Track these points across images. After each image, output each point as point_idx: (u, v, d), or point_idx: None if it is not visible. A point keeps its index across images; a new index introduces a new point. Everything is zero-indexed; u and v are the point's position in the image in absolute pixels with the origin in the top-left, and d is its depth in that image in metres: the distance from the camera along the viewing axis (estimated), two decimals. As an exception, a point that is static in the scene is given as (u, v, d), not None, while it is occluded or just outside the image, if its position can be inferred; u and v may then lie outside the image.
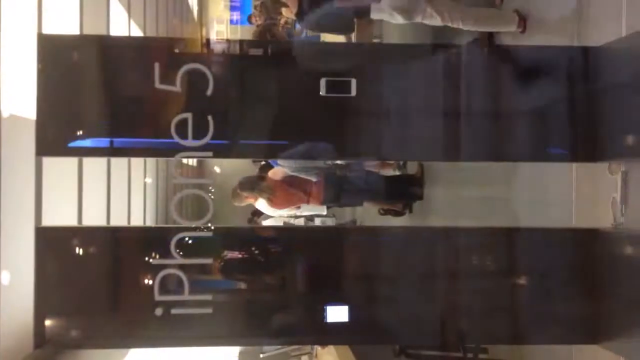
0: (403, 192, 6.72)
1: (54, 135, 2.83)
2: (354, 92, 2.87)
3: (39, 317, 2.82)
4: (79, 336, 2.91)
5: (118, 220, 6.94)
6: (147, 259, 2.86)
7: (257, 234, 3.46)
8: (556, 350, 3.60)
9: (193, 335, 2.90)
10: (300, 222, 7.63)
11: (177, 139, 2.77)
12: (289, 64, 3.06)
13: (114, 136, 2.88)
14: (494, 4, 4.81)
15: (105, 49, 2.92)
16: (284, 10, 4.84)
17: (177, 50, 3.03)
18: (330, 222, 8.28)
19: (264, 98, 2.94)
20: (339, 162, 6.20)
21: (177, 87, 2.79)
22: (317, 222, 8.00)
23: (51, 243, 2.88)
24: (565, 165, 3.73)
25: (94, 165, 5.90)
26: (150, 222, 9.01)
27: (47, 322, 2.83)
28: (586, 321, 3.02)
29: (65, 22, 5.20)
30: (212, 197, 3.00)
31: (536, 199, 4.34)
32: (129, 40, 4.23)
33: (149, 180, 9.04)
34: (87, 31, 5.56)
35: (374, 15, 4.39)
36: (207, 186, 3.08)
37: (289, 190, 5.83)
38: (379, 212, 7.04)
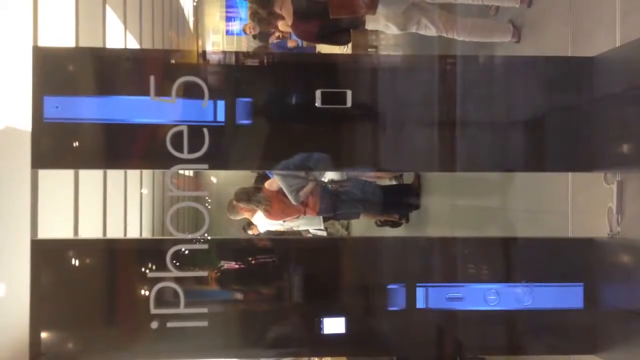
0: (400, 201, 6.73)
1: (50, 147, 2.82)
2: (349, 104, 2.87)
3: (34, 330, 2.81)
4: (75, 349, 2.89)
5: (114, 232, 6.92)
6: (143, 271, 2.86)
7: (254, 245, 3.44)
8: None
9: (189, 348, 2.88)
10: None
11: (172, 151, 2.77)
12: (284, 75, 3.07)
13: (109, 148, 2.87)
14: (488, 14, 4.83)
15: (100, 61, 2.92)
16: (279, 22, 4.84)
17: (173, 62, 3.03)
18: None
19: (260, 109, 2.94)
20: (334, 178, 6.20)
21: (172, 99, 2.79)
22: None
23: (47, 255, 2.87)
24: (561, 175, 3.73)
25: (90, 178, 5.89)
26: (146, 234, 8.99)
27: (43, 335, 2.82)
28: (583, 331, 3.01)
29: (60, 35, 5.20)
30: (209, 206, 3.00)
31: (532, 209, 4.34)
32: (124, 52, 4.22)
33: (145, 191, 9.02)
34: (83, 43, 5.57)
35: (369, 26, 4.41)
36: (204, 198, 3.08)
37: (286, 201, 5.82)
38: (376, 223, 7.04)
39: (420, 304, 2.94)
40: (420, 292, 2.94)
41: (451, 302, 2.96)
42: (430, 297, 2.95)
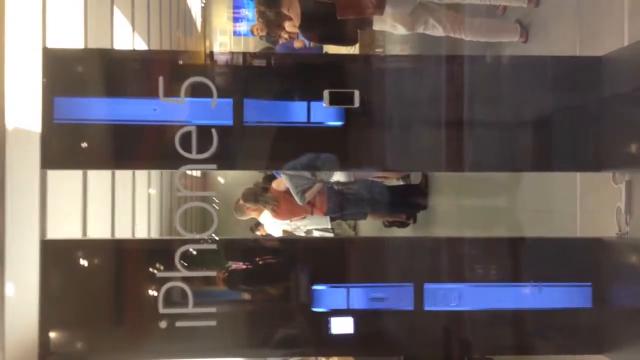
0: (407, 202, 6.72)
1: (59, 147, 2.84)
2: (357, 104, 2.87)
3: (43, 329, 2.82)
4: (84, 348, 2.91)
5: (122, 232, 6.95)
6: (151, 271, 2.87)
7: (261, 245, 3.45)
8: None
9: (197, 347, 2.89)
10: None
11: (181, 151, 2.78)
12: (292, 76, 3.07)
13: (118, 148, 2.89)
14: (495, 14, 4.82)
15: (109, 62, 2.94)
16: (287, 23, 4.85)
17: (181, 63, 3.04)
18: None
19: (268, 109, 2.95)
20: (340, 179, 6.21)
21: (181, 100, 2.80)
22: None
23: (56, 255, 2.88)
24: (569, 175, 3.72)
25: (98, 178, 5.91)
26: (154, 234, 9.01)
27: (52, 334, 2.84)
28: (591, 331, 3.01)
29: (69, 36, 5.23)
30: (216, 207, 3.01)
31: (541, 209, 4.34)
32: (133, 53, 4.24)
33: (152, 191, 9.05)
34: (91, 45, 5.60)
35: (376, 27, 4.41)
36: (211, 198, 3.08)
37: (293, 201, 5.83)
38: (383, 224, 7.04)
39: (342, 304, 2.94)
40: (342, 292, 2.94)
41: (374, 303, 2.95)
42: (352, 298, 2.94)
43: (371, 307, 2.95)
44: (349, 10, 4.12)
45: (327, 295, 2.94)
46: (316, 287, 2.93)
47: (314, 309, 2.93)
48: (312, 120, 2.92)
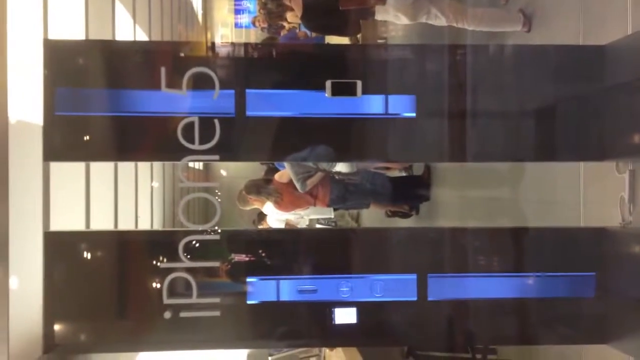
0: (410, 193, 6.72)
1: (61, 140, 2.84)
2: (359, 94, 2.86)
3: (47, 322, 2.83)
4: (88, 340, 2.92)
5: (126, 224, 6.95)
6: (155, 262, 2.87)
7: (265, 236, 3.45)
8: (565, 351, 3.59)
9: (201, 338, 2.90)
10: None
11: (183, 142, 2.78)
12: (294, 66, 3.06)
13: (120, 140, 2.89)
14: (498, 3, 4.81)
15: (110, 54, 2.93)
16: (289, 14, 4.84)
17: (182, 54, 3.03)
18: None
19: (270, 100, 2.94)
20: (341, 170, 6.20)
21: (183, 91, 2.79)
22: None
23: (59, 247, 2.89)
24: (572, 165, 3.72)
25: (101, 170, 5.91)
26: (157, 226, 9.02)
27: (56, 327, 2.85)
28: (595, 321, 3.01)
29: (71, 28, 5.22)
30: (219, 200, 3.01)
31: (544, 199, 4.33)
32: (134, 45, 4.23)
33: (155, 184, 9.05)
34: (93, 36, 5.58)
35: (378, 17, 4.39)
36: (214, 189, 3.08)
37: (296, 193, 5.83)
38: (386, 214, 7.04)
39: (272, 297, 2.95)
40: (272, 284, 2.95)
41: (303, 294, 2.95)
42: (282, 289, 2.95)
43: (299, 298, 2.96)
44: (351, 0, 4.11)
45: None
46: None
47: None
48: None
